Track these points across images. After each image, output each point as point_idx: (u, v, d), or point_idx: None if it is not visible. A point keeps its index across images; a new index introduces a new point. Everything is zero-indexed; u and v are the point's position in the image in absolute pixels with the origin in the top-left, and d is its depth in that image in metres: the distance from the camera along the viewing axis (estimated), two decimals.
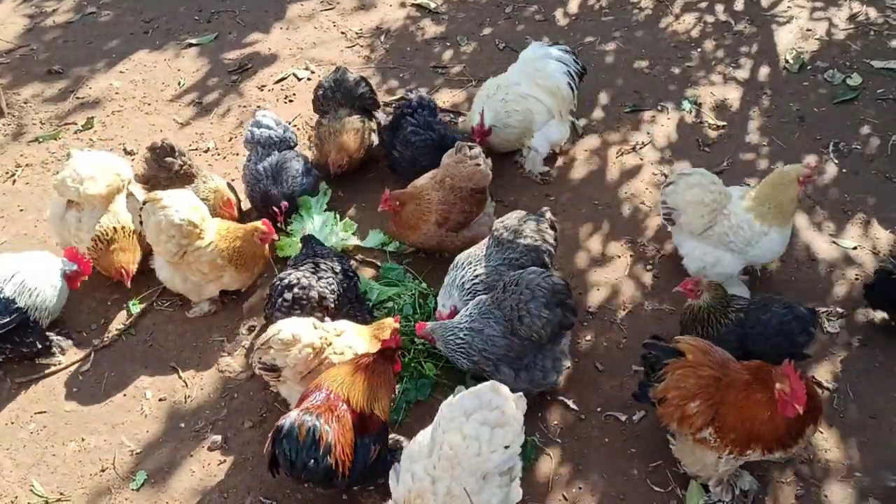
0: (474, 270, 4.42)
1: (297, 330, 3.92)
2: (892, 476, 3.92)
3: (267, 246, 4.81)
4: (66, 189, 4.73)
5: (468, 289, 4.38)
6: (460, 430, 3.29)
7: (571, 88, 5.58)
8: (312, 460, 3.48)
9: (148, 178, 5.22)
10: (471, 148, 4.80)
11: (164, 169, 5.14)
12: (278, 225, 5.10)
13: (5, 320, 4.36)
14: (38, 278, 4.52)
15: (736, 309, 4.14)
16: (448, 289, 4.44)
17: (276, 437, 3.52)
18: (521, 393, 3.48)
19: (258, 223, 4.72)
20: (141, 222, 4.66)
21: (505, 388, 3.44)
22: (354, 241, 5.21)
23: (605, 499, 3.92)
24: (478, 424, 3.29)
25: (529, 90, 5.56)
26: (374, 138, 5.72)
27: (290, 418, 3.53)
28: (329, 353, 3.95)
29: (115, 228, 4.80)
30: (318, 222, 5.25)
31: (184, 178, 5.16)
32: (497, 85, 5.62)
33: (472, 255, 4.51)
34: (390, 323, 4.23)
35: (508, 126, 5.55)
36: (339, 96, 5.68)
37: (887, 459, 3.99)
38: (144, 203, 4.60)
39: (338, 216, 5.35)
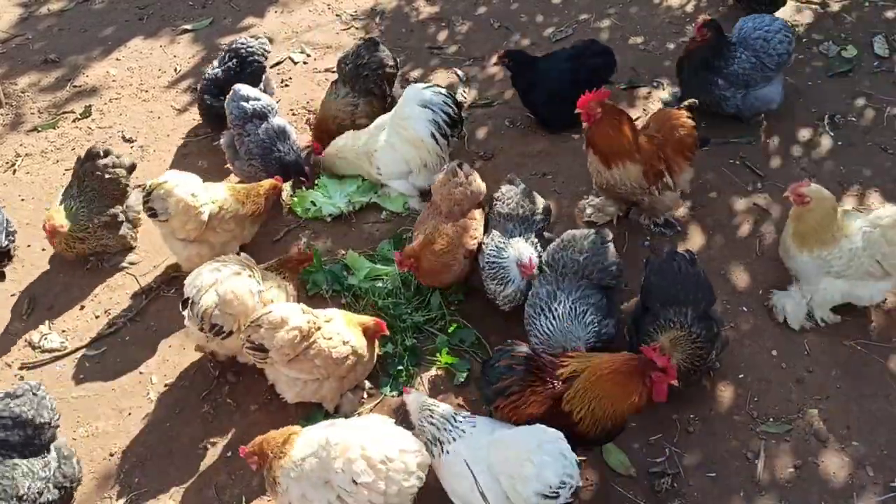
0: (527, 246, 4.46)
1: (285, 312, 3.98)
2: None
3: None
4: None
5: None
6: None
7: (436, 139, 5.16)
8: (486, 376, 3.85)
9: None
10: (461, 166, 4.69)
11: (88, 172, 5.07)
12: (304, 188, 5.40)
13: None
14: None
15: None
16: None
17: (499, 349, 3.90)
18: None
19: (271, 181, 5.07)
20: (155, 212, 4.66)
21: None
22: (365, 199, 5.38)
23: (606, 471, 4.00)
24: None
25: (392, 140, 5.25)
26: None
27: (516, 348, 3.83)
28: (317, 338, 4.02)
29: None
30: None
31: (108, 187, 5.08)
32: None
33: (501, 240, 4.47)
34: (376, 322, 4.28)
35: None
36: (345, 70, 5.67)
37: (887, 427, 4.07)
38: (150, 192, 4.63)
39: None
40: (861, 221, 4.28)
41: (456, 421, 3.68)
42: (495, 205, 4.67)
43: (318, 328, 4.03)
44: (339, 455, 3.49)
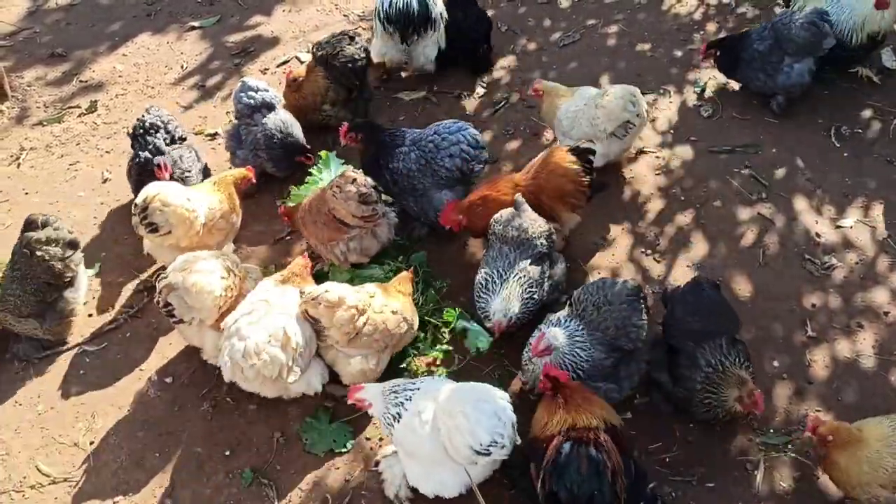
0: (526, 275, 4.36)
1: (342, 292, 4.09)
2: None
3: None
4: None
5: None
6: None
7: None
8: (597, 491, 3.38)
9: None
10: (343, 176, 4.61)
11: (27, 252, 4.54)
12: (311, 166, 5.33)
13: None
14: None
15: None
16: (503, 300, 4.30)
17: (552, 471, 3.46)
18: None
19: (241, 171, 5.03)
20: (156, 226, 4.49)
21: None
22: None
23: None
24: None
25: None
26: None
27: (564, 451, 3.46)
28: (371, 314, 4.10)
29: None
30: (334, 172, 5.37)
31: (50, 273, 4.55)
32: None
33: (499, 266, 4.40)
34: (406, 276, 4.47)
35: None
36: (317, 55, 5.76)
37: None
38: (146, 207, 4.45)
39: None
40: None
41: (405, 389, 3.80)
42: (493, 225, 4.58)
43: (370, 304, 4.12)
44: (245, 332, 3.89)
